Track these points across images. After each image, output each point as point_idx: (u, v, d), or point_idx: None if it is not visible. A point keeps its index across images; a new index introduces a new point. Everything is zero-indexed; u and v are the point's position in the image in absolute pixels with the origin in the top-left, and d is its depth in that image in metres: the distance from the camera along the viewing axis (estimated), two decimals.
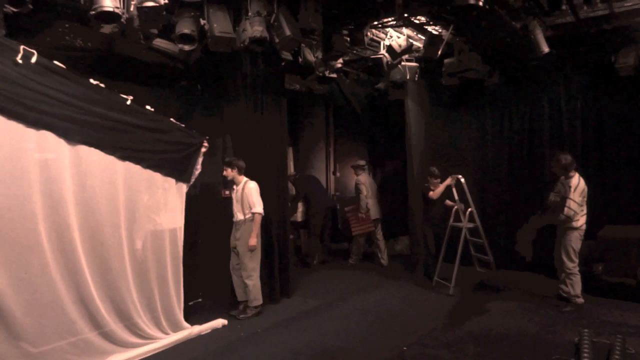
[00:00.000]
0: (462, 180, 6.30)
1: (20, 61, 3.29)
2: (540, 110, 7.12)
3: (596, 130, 6.77)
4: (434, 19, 5.65)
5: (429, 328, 4.88)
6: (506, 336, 4.61)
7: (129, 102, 4.06)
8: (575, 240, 5.16)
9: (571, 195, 5.05)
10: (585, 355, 3.86)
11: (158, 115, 4.44)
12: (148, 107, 4.31)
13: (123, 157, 4.10)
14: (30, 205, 3.47)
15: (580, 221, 5.16)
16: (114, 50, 4.78)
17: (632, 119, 6.46)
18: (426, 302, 5.79)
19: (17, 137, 3.39)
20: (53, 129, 3.57)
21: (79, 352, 3.79)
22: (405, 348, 4.38)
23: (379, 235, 7.71)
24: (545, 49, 5.44)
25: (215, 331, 4.86)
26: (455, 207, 6.28)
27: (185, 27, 4.36)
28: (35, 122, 3.46)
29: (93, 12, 3.71)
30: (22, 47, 3.30)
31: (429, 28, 5.99)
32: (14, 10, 3.60)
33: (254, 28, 4.51)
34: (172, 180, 4.61)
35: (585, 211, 5.22)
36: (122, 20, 3.85)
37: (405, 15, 5.45)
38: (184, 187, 4.75)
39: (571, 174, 5.18)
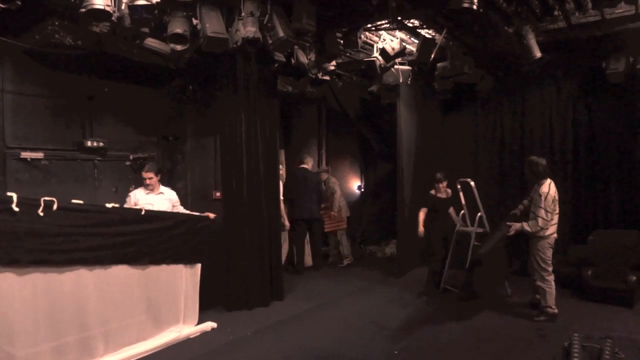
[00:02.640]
0: (472, 183, 6.08)
1: (42, 214, 3.45)
2: (532, 115, 7.18)
3: (587, 135, 6.84)
4: (428, 23, 5.66)
5: (420, 331, 4.86)
6: (497, 339, 4.60)
7: (143, 212, 4.31)
8: (544, 250, 5.01)
9: (542, 205, 4.88)
10: (576, 359, 3.87)
11: (169, 213, 4.80)
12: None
13: (148, 262, 4.36)
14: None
15: (550, 230, 4.99)
16: (105, 49, 4.73)
17: (622, 124, 6.53)
18: (417, 305, 5.77)
19: (54, 280, 3.64)
20: (85, 262, 3.83)
21: (61, 355, 3.73)
22: (396, 352, 4.36)
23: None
24: (538, 54, 5.48)
25: (204, 334, 4.79)
26: (462, 212, 6.16)
27: (177, 26, 4.31)
28: (69, 262, 3.71)
29: (83, 10, 3.66)
30: (42, 199, 3.46)
31: (423, 31, 6.00)
32: (2, 6, 3.55)
33: (247, 29, 4.47)
34: (191, 266, 4.85)
35: (555, 220, 5.01)
36: (113, 18, 3.81)
37: (399, 18, 5.46)
38: (199, 266, 4.93)
39: (542, 181, 5.00)
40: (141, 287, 4.34)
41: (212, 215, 5.04)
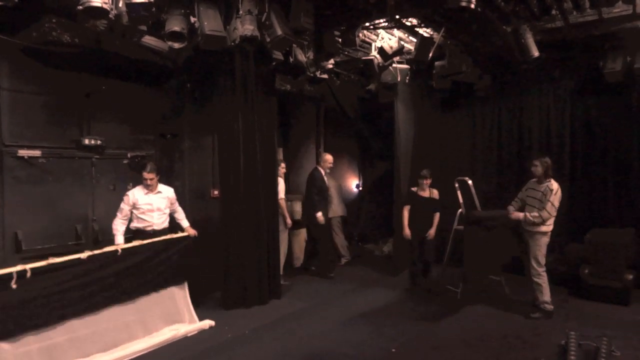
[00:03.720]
0: (470, 182, 6.07)
1: (14, 286, 3.45)
2: (530, 114, 7.18)
3: (584, 134, 6.84)
4: (426, 21, 5.66)
5: (417, 330, 4.88)
6: (494, 338, 4.62)
7: (119, 252, 4.28)
8: (544, 245, 5.12)
9: (551, 198, 5.03)
10: (572, 357, 3.90)
11: (146, 245, 4.62)
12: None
13: (137, 297, 4.44)
14: None
15: (551, 226, 5.12)
16: (102, 46, 4.71)
17: (618, 124, 6.54)
18: (415, 304, 5.79)
19: (46, 338, 3.72)
20: (71, 316, 3.87)
21: (57, 353, 3.76)
22: (393, 350, 4.37)
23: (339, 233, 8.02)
24: (535, 53, 5.49)
25: (202, 332, 4.80)
26: (460, 210, 6.11)
27: (175, 24, 4.30)
28: (57, 319, 3.78)
29: (81, 7, 3.65)
30: (14, 271, 3.45)
31: (421, 30, 6.00)
32: (0, 3, 3.52)
33: (245, 27, 4.47)
34: (179, 286, 4.92)
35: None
36: (111, 16, 3.79)
37: (397, 17, 5.46)
38: (186, 285, 4.99)
39: (549, 179, 5.17)
40: (134, 313, 4.43)
41: (192, 233, 5.04)
